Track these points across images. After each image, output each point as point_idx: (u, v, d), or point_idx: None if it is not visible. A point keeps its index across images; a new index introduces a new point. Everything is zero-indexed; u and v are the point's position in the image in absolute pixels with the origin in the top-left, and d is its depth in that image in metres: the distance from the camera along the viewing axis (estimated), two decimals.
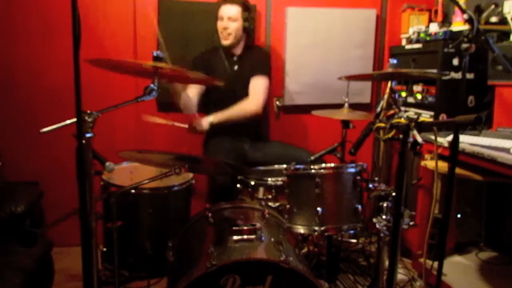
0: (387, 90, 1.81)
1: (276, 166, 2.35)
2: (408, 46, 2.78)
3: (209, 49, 2.69)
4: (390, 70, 1.90)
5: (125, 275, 2.22)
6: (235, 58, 2.63)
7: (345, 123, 2.31)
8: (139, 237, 2.11)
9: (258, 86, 2.57)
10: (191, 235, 1.87)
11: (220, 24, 2.54)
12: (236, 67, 2.63)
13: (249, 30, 2.63)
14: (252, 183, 2.21)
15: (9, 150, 2.66)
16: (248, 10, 2.56)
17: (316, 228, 1.85)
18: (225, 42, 2.56)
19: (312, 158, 2.25)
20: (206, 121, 2.44)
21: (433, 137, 2.12)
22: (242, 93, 2.57)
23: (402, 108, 1.78)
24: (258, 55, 2.69)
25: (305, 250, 1.80)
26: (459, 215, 2.64)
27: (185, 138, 2.83)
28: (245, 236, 1.60)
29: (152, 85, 1.52)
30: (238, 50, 2.63)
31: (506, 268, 2.50)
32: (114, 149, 1.75)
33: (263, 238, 1.61)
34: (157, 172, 1.87)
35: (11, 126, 2.70)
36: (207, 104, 2.63)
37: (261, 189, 2.18)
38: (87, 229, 1.25)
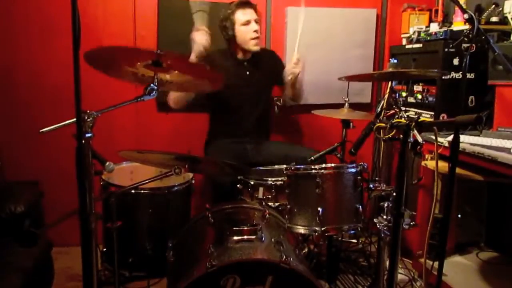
0: (388, 90, 1.81)
1: (276, 166, 2.35)
2: (409, 46, 2.78)
3: (216, 52, 2.56)
4: (390, 69, 1.90)
5: (125, 275, 2.21)
6: (245, 63, 2.59)
7: (346, 123, 2.30)
8: (139, 237, 2.11)
9: None
10: (191, 235, 1.87)
11: (248, 28, 2.45)
12: (247, 73, 2.59)
13: None
14: (252, 183, 2.20)
15: (9, 149, 2.66)
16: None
17: (317, 228, 1.84)
18: (256, 47, 2.50)
19: (312, 158, 2.25)
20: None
21: (433, 137, 2.11)
22: (253, 98, 2.57)
23: (403, 108, 1.78)
24: (268, 59, 2.70)
25: (305, 250, 1.80)
26: (459, 215, 2.63)
27: (185, 138, 2.83)
28: (245, 237, 1.60)
29: (152, 85, 1.52)
30: (248, 54, 2.58)
31: (506, 268, 2.49)
32: (114, 149, 1.75)
33: (263, 239, 1.61)
34: (157, 172, 1.87)
35: (11, 126, 2.69)
36: (215, 110, 2.63)
37: (261, 189, 2.18)
38: (87, 229, 1.25)
